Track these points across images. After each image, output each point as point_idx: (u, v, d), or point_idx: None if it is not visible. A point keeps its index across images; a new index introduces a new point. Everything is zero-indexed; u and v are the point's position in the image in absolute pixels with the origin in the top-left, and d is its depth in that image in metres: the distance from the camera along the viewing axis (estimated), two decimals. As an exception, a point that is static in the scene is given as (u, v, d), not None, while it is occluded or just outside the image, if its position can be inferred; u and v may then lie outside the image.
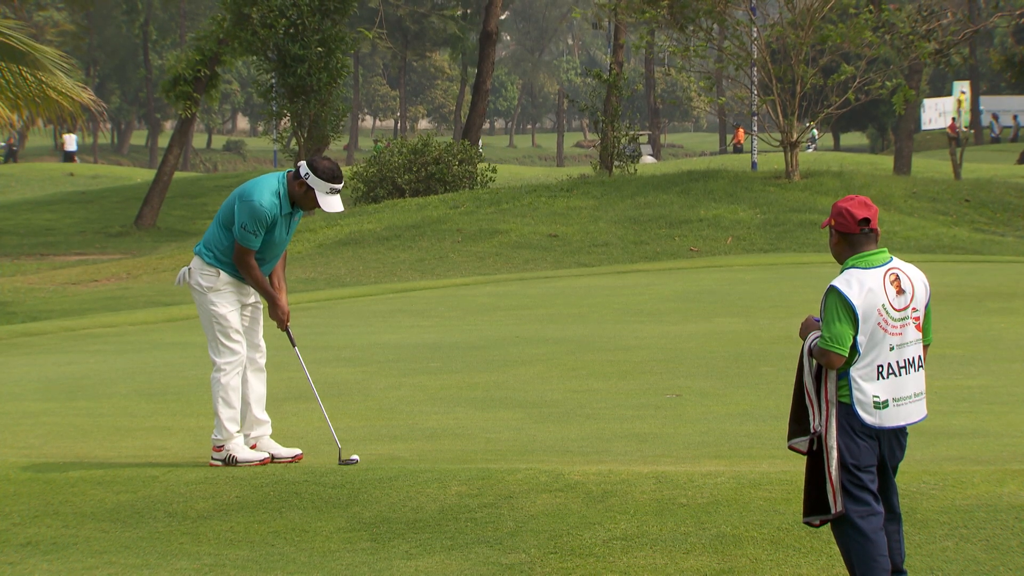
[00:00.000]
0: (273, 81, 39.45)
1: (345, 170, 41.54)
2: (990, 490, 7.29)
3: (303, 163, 8.56)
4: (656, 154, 77.07)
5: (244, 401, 8.77)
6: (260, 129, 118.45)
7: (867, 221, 6.10)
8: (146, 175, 60.49)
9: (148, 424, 10.44)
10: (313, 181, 8.50)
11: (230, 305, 8.66)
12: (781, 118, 32.86)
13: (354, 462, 8.53)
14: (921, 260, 23.20)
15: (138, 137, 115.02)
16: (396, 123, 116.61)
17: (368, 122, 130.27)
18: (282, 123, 40.43)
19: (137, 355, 15.23)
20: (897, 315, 6.06)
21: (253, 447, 8.75)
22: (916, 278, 6.16)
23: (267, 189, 8.55)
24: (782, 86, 33.03)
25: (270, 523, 7.70)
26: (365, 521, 7.63)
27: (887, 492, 6.19)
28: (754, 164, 41.07)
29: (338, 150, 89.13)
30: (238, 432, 8.67)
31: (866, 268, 6.08)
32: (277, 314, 8.78)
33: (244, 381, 8.75)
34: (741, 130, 71.51)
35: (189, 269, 8.73)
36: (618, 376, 12.23)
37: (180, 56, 43.12)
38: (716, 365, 12.65)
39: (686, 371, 12.34)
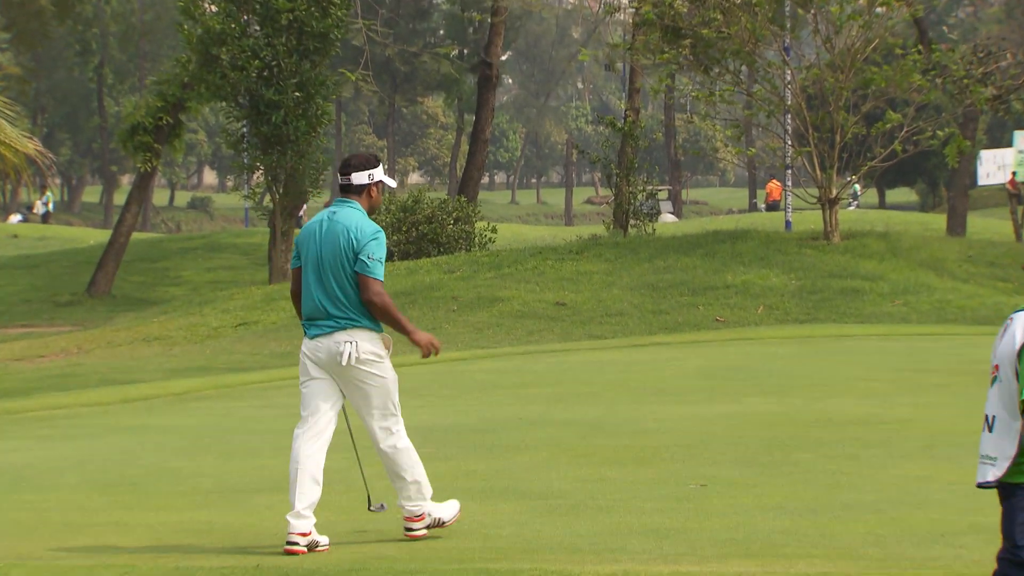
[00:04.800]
0: (244, 130, 39.59)
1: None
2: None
3: (357, 173, 9.01)
4: (677, 212, 77.46)
5: (305, 471, 8.98)
6: (229, 184, 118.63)
7: None
8: (100, 236, 60.69)
9: (101, 520, 10.43)
10: (380, 175, 9.12)
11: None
12: (819, 172, 32.97)
13: (382, 509, 9.26)
14: (978, 333, 23.21)
15: (91, 194, 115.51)
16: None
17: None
18: (254, 177, 40.54)
19: (88, 441, 15.22)
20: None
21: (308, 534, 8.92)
22: (1015, 326, 5.88)
23: (364, 218, 8.99)
24: (819, 136, 33.15)
25: (239, 632, 7.68)
26: (347, 629, 7.61)
27: None
28: (788, 224, 41.24)
29: (317, 207, 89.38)
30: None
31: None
32: (424, 342, 9.13)
33: (313, 452, 9.04)
34: (775, 183, 71.67)
35: (355, 343, 8.90)
36: (635, 463, 12.23)
37: (139, 102, 43.41)
38: (746, 451, 12.65)
39: (712, 458, 12.34)
